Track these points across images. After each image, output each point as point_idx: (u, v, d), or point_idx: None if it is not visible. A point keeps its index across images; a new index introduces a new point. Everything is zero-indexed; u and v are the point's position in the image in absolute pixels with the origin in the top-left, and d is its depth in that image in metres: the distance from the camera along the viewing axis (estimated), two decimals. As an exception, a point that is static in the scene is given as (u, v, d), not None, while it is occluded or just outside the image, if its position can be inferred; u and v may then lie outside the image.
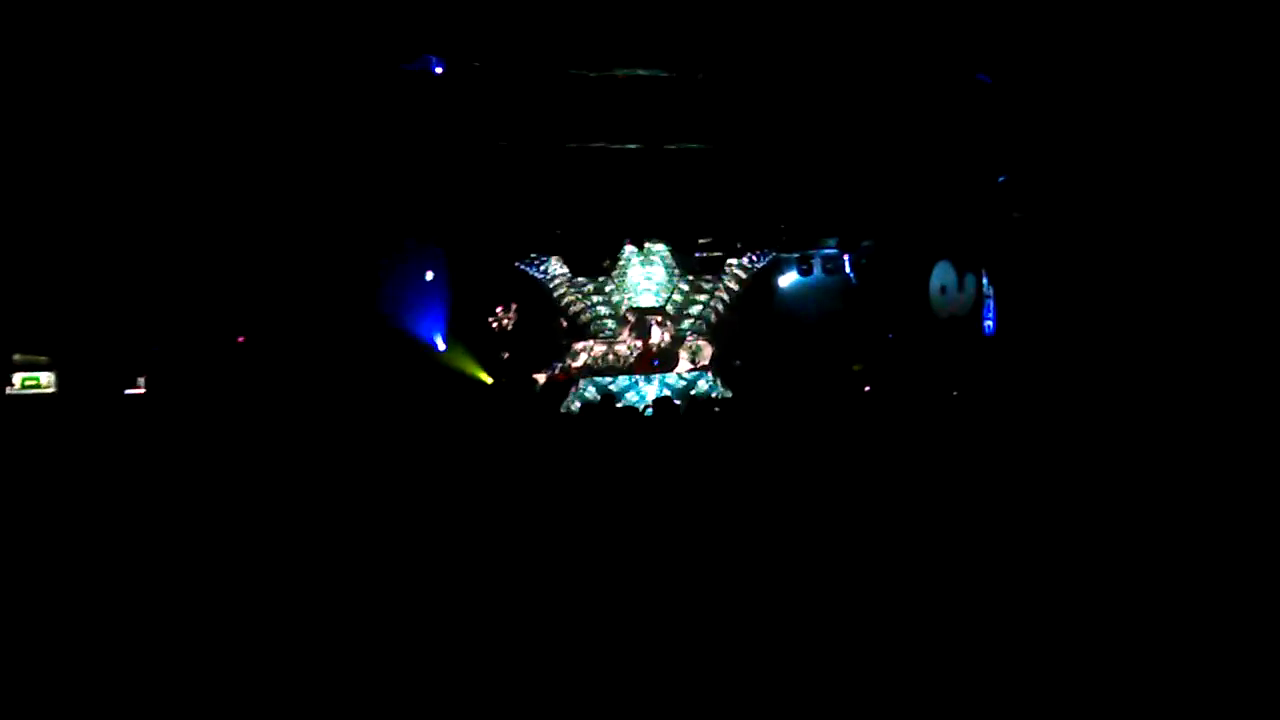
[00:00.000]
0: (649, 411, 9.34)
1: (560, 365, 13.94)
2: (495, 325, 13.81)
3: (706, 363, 14.35)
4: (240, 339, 11.69)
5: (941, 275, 13.93)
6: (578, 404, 13.64)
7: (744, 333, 14.48)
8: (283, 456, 8.16)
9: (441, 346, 13.54)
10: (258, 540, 5.00)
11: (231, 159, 10.29)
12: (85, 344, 9.42)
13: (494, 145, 10.83)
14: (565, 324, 14.19)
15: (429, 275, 13.36)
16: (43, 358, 9.31)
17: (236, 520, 5.40)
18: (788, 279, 14.75)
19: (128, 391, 9.67)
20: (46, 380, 9.39)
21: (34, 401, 9.34)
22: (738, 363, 14.38)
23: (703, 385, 14.18)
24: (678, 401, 13.23)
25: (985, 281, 12.62)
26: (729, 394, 14.06)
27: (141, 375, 9.80)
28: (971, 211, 12.15)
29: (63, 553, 4.69)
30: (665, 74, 8.78)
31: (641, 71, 8.67)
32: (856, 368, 14.29)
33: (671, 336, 14.45)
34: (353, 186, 11.12)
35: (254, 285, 11.20)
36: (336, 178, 10.78)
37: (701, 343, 14.53)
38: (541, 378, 13.79)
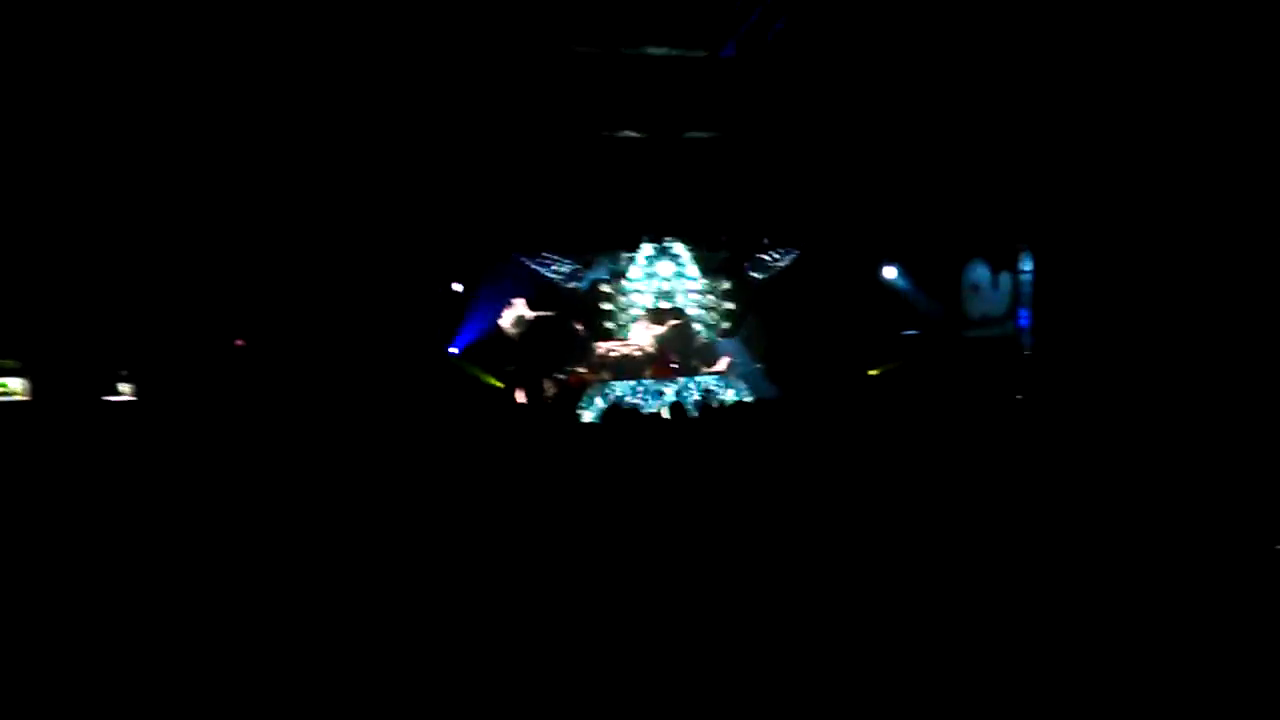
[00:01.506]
0: (666, 417, 8.80)
1: (573, 370, 13.34)
2: (505, 328, 13.25)
3: (726, 367, 13.72)
4: (239, 341, 11.20)
5: (974, 274, 13.31)
6: (591, 410, 13.05)
7: (766, 335, 13.83)
8: (284, 466, 7.84)
9: (452, 350, 13.06)
10: (254, 551, 4.72)
11: (228, 153, 9.85)
12: (60, 348, 8.87)
13: (507, 137, 10.25)
14: (579, 327, 13.60)
15: (443, 281, 12.87)
16: (12, 362, 8.75)
17: (230, 530, 5.11)
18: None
19: (107, 398, 9.12)
20: (18, 386, 8.83)
21: (4, 409, 8.79)
22: (759, 366, 13.78)
23: (722, 390, 13.56)
24: (695, 407, 12.64)
25: (1023, 279, 11.95)
26: (750, 398, 13.43)
27: (123, 380, 9.25)
28: (1007, 206, 11.50)
29: (35, 567, 4.33)
30: (686, 53, 8.13)
31: (656, 51, 8.05)
32: (874, 371, 13.75)
33: (690, 339, 13.83)
34: (356, 181, 10.61)
35: (249, 286, 10.71)
36: (339, 170, 10.27)
37: (722, 345, 13.92)
38: (554, 383, 13.20)
